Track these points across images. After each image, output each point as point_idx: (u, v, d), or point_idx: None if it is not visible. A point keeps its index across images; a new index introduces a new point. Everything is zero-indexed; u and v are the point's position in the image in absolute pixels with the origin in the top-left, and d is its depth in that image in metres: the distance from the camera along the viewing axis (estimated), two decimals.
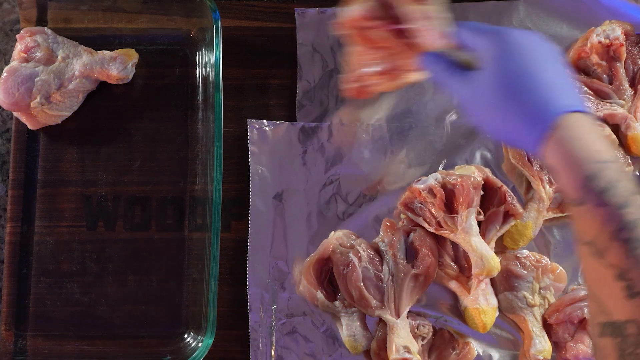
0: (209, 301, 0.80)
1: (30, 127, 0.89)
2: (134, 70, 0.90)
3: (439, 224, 0.84)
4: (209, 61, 0.90)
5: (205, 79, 0.91)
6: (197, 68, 0.92)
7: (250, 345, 0.84)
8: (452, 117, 0.92)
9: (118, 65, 0.89)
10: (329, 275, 0.85)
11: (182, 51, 0.93)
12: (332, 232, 0.86)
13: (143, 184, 0.89)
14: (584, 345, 0.83)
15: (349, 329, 0.83)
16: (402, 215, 0.86)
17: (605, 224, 0.50)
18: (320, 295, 0.84)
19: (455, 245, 0.86)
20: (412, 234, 0.84)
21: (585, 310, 0.84)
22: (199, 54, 0.92)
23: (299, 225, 0.88)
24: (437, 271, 0.85)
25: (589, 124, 0.55)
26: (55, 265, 0.86)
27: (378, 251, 0.85)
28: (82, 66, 0.88)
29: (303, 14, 0.93)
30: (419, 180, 0.86)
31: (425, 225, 0.84)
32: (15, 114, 0.89)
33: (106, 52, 0.89)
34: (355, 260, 0.83)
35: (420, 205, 0.84)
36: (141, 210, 0.88)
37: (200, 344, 0.81)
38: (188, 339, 0.84)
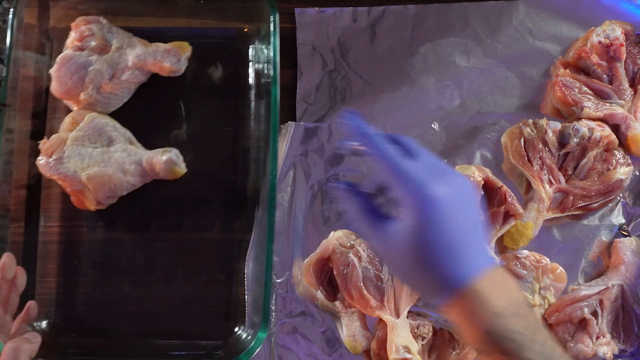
0: (263, 295, 0.79)
1: None
2: (187, 64, 0.90)
3: None
4: (262, 56, 0.89)
5: (258, 73, 0.91)
6: (250, 63, 0.92)
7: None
8: (451, 117, 0.92)
9: (171, 58, 0.88)
10: (329, 275, 0.85)
11: (234, 46, 0.92)
12: (332, 232, 0.86)
13: (195, 180, 0.88)
14: (583, 345, 0.83)
15: (349, 329, 0.83)
16: None
17: None
18: (320, 295, 0.84)
19: None
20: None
21: (586, 310, 0.84)
22: (252, 49, 0.92)
23: (299, 225, 0.88)
24: None
25: (494, 282, 0.55)
26: (102, 261, 0.86)
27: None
28: (136, 57, 0.87)
29: (303, 14, 0.93)
30: None
31: None
32: (65, 102, 0.89)
33: (160, 44, 0.89)
34: (355, 260, 0.83)
35: None
36: (192, 208, 0.88)
37: (252, 338, 0.80)
38: (239, 333, 0.84)
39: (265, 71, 0.87)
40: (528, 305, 0.57)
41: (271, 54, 0.85)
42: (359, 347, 0.83)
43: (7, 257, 0.74)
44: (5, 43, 0.84)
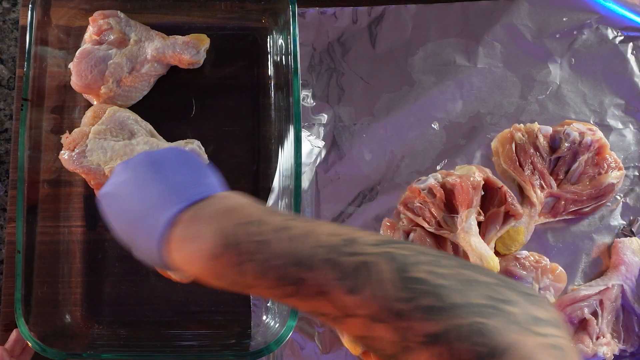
0: None
1: None
2: (205, 56, 0.90)
3: (438, 224, 0.84)
4: (281, 47, 0.89)
5: (277, 65, 0.91)
6: (269, 54, 0.92)
7: (251, 344, 0.84)
8: (451, 117, 0.92)
9: (190, 50, 0.88)
10: None
11: (251, 36, 0.93)
12: None
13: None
14: (584, 346, 0.83)
15: None
16: (402, 215, 0.86)
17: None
18: None
19: (455, 246, 0.86)
20: (412, 234, 0.84)
21: (586, 310, 0.84)
22: (270, 39, 0.92)
23: None
24: None
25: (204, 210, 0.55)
26: (127, 255, 0.85)
27: None
28: (154, 50, 0.87)
29: (303, 14, 0.93)
30: (419, 180, 0.86)
31: (425, 225, 0.84)
32: (85, 96, 0.88)
33: (178, 37, 0.89)
34: None
35: (420, 205, 0.84)
36: None
37: (281, 326, 0.78)
38: (267, 321, 0.84)
39: (284, 62, 0.87)
40: (263, 214, 0.54)
41: (290, 44, 0.84)
42: (359, 347, 0.83)
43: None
44: (5, 43, 0.83)
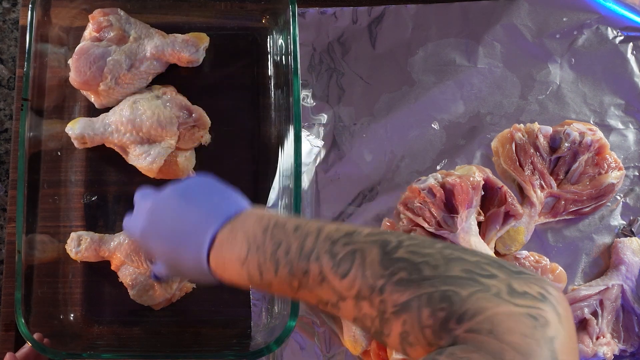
0: None
1: (97, 106, 0.88)
2: (204, 54, 0.90)
3: (438, 224, 0.84)
4: (281, 47, 0.89)
5: (277, 64, 0.91)
6: (269, 54, 0.92)
7: (251, 344, 0.84)
8: (451, 117, 0.92)
9: (190, 48, 0.88)
10: None
11: (251, 36, 0.93)
12: None
13: (213, 169, 0.88)
14: (584, 346, 0.83)
15: (349, 329, 0.83)
16: (402, 215, 0.86)
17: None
18: None
19: None
20: (412, 234, 0.84)
21: (586, 310, 0.84)
22: (270, 39, 0.92)
23: None
24: None
25: (228, 235, 0.62)
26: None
27: None
28: (154, 47, 0.87)
29: (303, 14, 0.93)
30: (419, 180, 0.86)
31: (425, 225, 0.84)
32: (84, 92, 0.89)
33: (178, 35, 0.89)
34: None
35: (420, 205, 0.84)
36: None
37: (281, 326, 0.78)
38: (267, 321, 0.84)
39: (284, 62, 0.87)
40: (272, 226, 0.59)
41: (290, 44, 0.84)
42: (359, 347, 0.83)
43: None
44: (5, 43, 0.83)
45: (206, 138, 0.88)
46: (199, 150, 0.89)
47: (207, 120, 0.88)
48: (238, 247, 0.60)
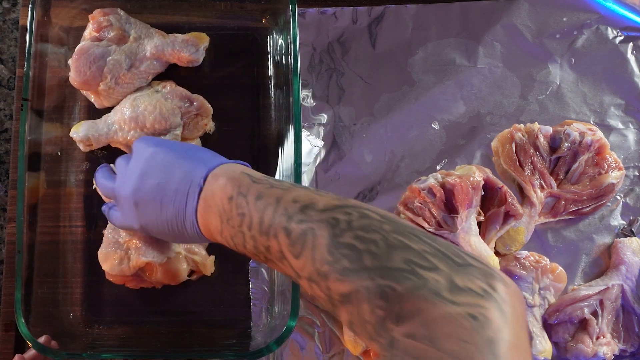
0: (292, 285, 0.78)
1: (97, 106, 0.89)
2: (204, 54, 0.90)
3: (438, 224, 0.84)
4: (281, 47, 0.89)
5: (277, 64, 0.91)
6: (269, 54, 0.92)
7: (251, 344, 0.84)
8: (451, 117, 0.92)
9: (190, 48, 0.88)
10: None
11: (251, 36, 0.92)
12: None
13: None
14: (584, 346, 0.83)
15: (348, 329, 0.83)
16: (402, 216, 0.86)
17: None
18: None
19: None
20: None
21: (586, 310, 0.84)
22: (270, 39, 0.92)
23: None
24: None
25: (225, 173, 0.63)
26: None
27: None
28: (154, 47, 0.87)
29: (303, 14, 0.93)
30: (419, 180, 0.86)
31: (425, 225, 0.84)
32: (84, 92, 0.89)
33: (178, 35, 0.89)
34: None
35: (420, 205, 0.84)
36: None
37: (281, 326, 0.78)
38: (267, 321, 0.84)
39: (284, 62, 0.87)
40: (254, 181, 0.61)
41: (290, 44, 0.84)
42: (359, 347, 0.83)
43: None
44: (5, 43, 0.83)
45: (210, 126, 0.88)
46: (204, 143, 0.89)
47: (209, 108, 0.88)
48: (213, 219, 0.62)
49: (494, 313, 0.43)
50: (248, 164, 0.67)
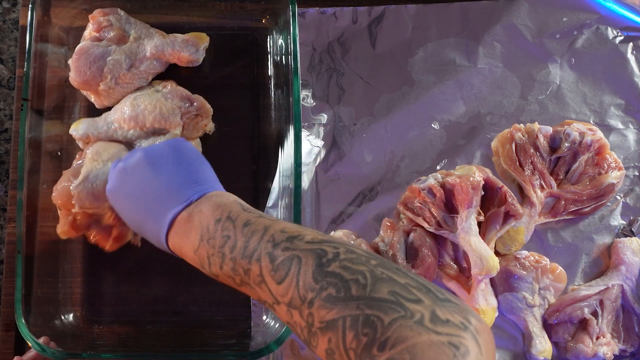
0: None
1: (97, 106, 0.88)
2: (204, 54, 0.90)
3: (438, 224, 0.84)
4: (281, 47, 0.89)
5: (277, 64, 0.91)
6: (269, 54, 0.92)
7: (251, 344, 0.84)
8: (451, 117, 0.92)
9: (190, 48, 0.88)
10: None
11: (251, 36, 0.92)
12: (332, 232, 0.86)
13: (213, 168, 0.87)
14: (584, 345, 0.83)
15: None
16: (402, 215, 0.86)
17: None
18: None
19: (455, 245, 0.86)
20: (412, 234, 0.84)
21: (586, 310, 0.84)
22: (270, 39, 0.92)
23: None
24: (437, 271, 0.85)
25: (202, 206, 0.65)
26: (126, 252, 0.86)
27: (378, 251, 0.85)
28: (154, 47, 0.87)
29: (303, 14, 0.93)
30: (419, 180, 0.86)
31: (425, 225, 0.84)
32: (84, 92, 0.89)
33: (178, 35, 0.89)
34: None
35: (420, 205, 0.84)
36: None
37: (281, 325, 0.78)
38: (267, 321, 0.83)
39: (284, 62, 0.87)
40: (241, 211, 0.63)
41: (290, 44, 0.84)
42: None
43: None
44: (5, 43, 0.83)
45: (210, 126, 0.88)
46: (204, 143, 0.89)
47: (209, 108, 0.88)
48: (192, 235, 0.63)
49: (471, 343, 0.47)
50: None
